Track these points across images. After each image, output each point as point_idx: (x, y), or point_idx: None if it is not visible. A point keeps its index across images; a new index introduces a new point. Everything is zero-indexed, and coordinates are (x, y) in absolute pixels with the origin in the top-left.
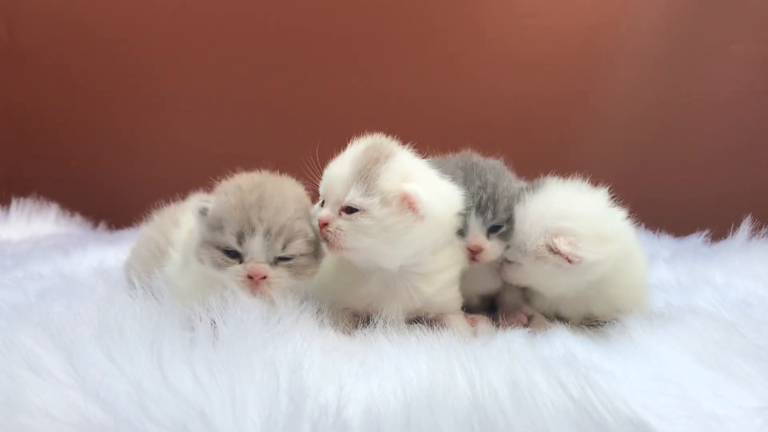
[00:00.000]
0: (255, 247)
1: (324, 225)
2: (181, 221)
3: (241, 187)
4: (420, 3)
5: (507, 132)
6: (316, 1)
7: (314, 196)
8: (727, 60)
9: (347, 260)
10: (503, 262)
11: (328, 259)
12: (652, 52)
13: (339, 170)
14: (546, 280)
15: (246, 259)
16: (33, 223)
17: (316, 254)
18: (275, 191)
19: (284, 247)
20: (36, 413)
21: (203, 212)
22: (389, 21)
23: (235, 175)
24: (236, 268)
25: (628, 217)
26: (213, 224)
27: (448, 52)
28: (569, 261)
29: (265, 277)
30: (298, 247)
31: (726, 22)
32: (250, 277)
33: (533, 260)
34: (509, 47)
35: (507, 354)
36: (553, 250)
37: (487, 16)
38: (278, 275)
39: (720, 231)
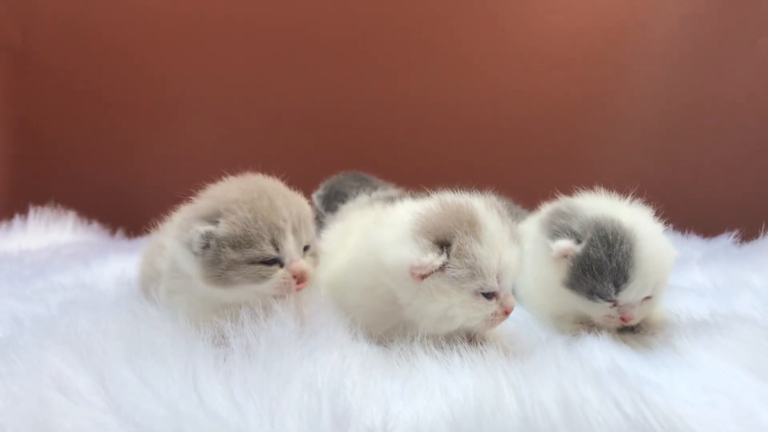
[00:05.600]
0: (290, 247)
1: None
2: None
3: (244, 199)
4: None
5: (528, 132)
6: (328, 3)
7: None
8: (754, 54)
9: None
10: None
11: (361, 302)
12: (677, 47)
13: (515, 254)
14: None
15: (286, 261)
16: (51, 232)
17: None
18: (271, 187)
19: (307, 236)
20: None
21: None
22: (404, 17)
23: (203, 195)
24: (280, 272)
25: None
26: (236, 243)
27: (465, 50)
28: None
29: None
30: (312, 231)
31: (753, 15)
32: (294, 277)
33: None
34: (530, 45)
35: (555, 368)
36: None
37: (506, 12)
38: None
39: (750, 231)
